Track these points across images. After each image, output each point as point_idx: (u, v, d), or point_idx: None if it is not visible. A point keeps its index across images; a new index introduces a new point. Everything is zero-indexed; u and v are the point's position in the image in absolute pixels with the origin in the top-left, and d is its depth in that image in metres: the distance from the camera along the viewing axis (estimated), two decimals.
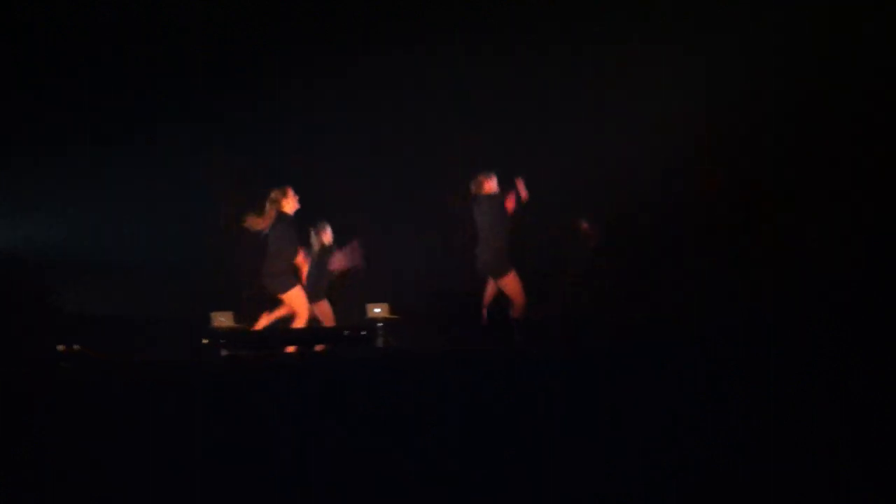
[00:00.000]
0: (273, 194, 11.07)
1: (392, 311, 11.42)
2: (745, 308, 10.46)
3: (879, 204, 11.31)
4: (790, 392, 7.20)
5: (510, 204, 11.18)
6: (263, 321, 11.26)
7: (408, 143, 13.36)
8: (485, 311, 11.29)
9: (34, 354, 10.37)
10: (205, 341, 10.49)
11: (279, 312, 11.21)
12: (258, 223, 10.97)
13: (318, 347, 10.65)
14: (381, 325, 11.19)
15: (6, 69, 13.02)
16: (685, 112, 12.27)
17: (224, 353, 10.24)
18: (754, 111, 12.14)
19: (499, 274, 11.09)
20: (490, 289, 11.29)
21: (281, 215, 11.05)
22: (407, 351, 10.50)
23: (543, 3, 13.21)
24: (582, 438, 7.06)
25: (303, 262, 11.90)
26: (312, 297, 11.45)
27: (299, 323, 11.04)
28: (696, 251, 11.82)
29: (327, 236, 11.87)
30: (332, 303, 12.09)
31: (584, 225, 12.21)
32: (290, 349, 10.74)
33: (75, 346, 10.68)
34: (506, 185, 11.41)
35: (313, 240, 11.97)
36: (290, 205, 11.08)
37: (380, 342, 10.93)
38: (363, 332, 10.33)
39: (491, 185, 11.26)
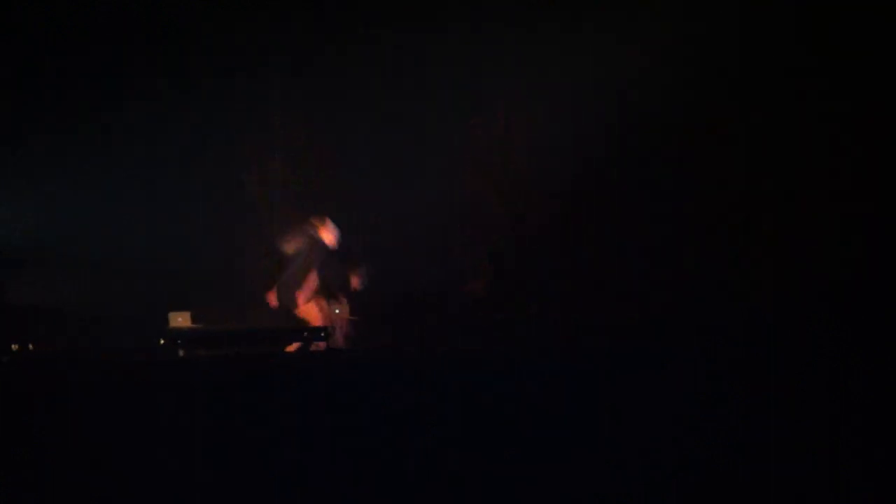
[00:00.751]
0: (313, 220, 11.19)
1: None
2: (745, 308, 10.46)
3: (879, 204, 11.30)
4: (790, 392, 7.20)
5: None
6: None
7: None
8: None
9: None
10: (162, 342, 10.48)
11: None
12: (290, 247, 11.09)
13: (277, 347, 10.62)
14: (331, 327, 11.28)
15: None
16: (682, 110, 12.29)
17: (181, 353, 10.24)
18: (752, 106, 12.13)
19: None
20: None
21: (316, 241, 11.16)
22: (406, 351, 10.49)
23: None
24: (582, 438, 7.05)
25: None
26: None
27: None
28: (696, 251, 11.81)
29: (329, 235, 11.76)
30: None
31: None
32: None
33: (30, 346, 10.70)
34: None
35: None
36: (328, 236, 11.24)
37: (339, 341, 11.03)
38: (322, 333, 10.42)
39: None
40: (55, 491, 6.67)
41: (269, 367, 8.09)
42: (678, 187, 12.35)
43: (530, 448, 6.99)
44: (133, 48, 13.21)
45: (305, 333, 10.57)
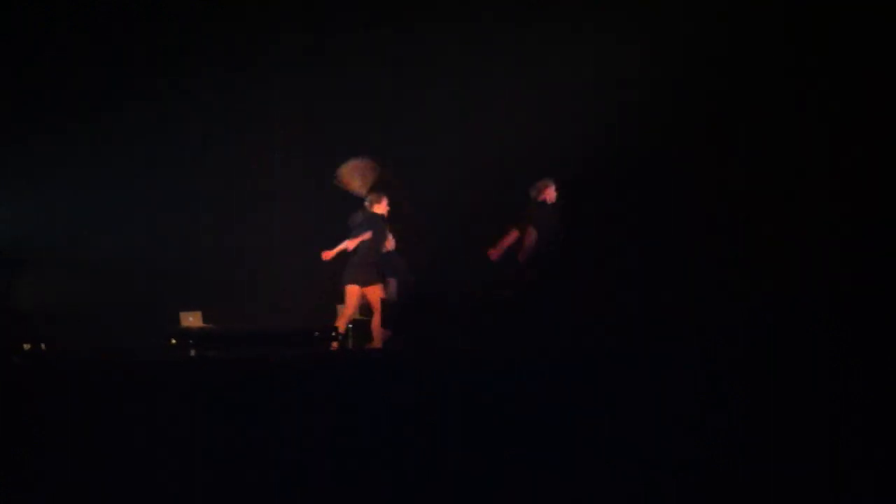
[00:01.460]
0: (370, 196, 11.51)
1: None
2: (744, 308, 10.46)
3: (880, 204, 11.31)
4: (790, 392, 7.20)
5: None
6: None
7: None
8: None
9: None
10: (173, 341, 10.48)
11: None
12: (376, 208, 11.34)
13: (288, 348, 10.61)
14: (351, 326, 11.28)
15: None
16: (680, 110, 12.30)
17: (192, 353, 10.24)
18: (752, 105, 12.14)
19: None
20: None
21: (372, 215, 11.41)
22: (405, 352, 10.49)
23: None
24: (582, 438, 7.06)
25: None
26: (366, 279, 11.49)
27: (342, 319, 11.23)
28: (696, 251, 11.81)
29: (382, 206, 11.74)
30: None
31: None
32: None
33: (42, 346, 10.69)
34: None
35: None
36: (382, 208, 11.53)
37: (349, 343, 11.01)
38: (333, 335, 10.43)
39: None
40: (60, 491, 6.67)
41: (272, 367, 8.09)
42: (677, 186, 12.34)
43: (530, 448, 6.99)
44: (133, 49, 13.17)
45: (317, 333, 10.57)
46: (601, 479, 6.75)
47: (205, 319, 11.45)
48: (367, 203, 11.53)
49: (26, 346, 10.64)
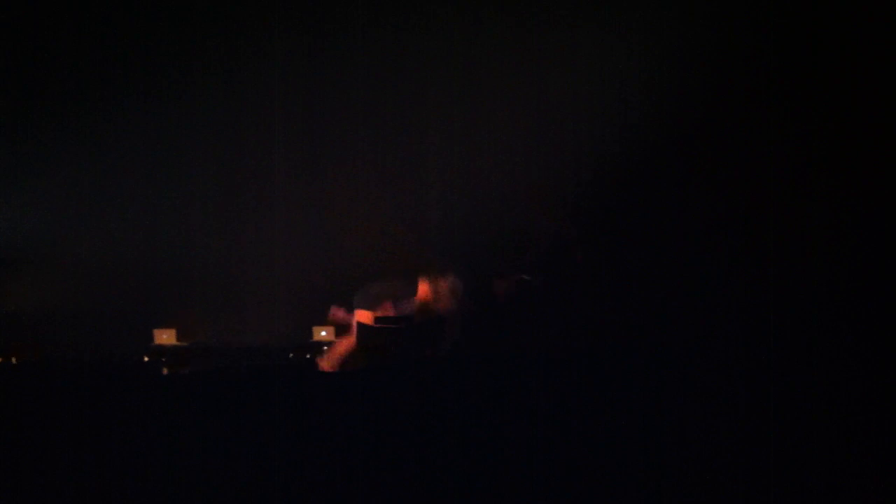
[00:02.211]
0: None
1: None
2: (745, 308, 10.41)
3: (880, 204, 11.25)
4: (790, 392, 7.18)
5: None
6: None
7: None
8: None
9: None
10: (146, 359, 10.34)
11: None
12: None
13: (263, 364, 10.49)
14: (325, 347, 11.09)
15: None
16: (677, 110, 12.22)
17: (165, 371, 10.09)
18: (752, 108, 12.06)
19: None
20: None
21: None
22: (405, 351, 10.44)
23: None
24: (582, 438, 7.04)
25: None
26: None
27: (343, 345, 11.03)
28: (696, 251, 11.74)
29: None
30: None
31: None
32: None
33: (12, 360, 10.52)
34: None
35: None
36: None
37: (322, 361, 10.88)
38: (308, 356, 10.36)
39: None
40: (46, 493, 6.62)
41: (244, 381, 7.98)
42: (679, 188, 12.26)
43: (530, 448, 6.97)
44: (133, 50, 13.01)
45: (291, 355, 10.49)
46: (601, 478, 6.73)
47: (180, 337, 11.14)
48: None
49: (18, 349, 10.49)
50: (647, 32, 12.53)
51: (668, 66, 12.31)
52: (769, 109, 12.12)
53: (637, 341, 9.10)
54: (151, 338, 10.92)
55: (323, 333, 11.26)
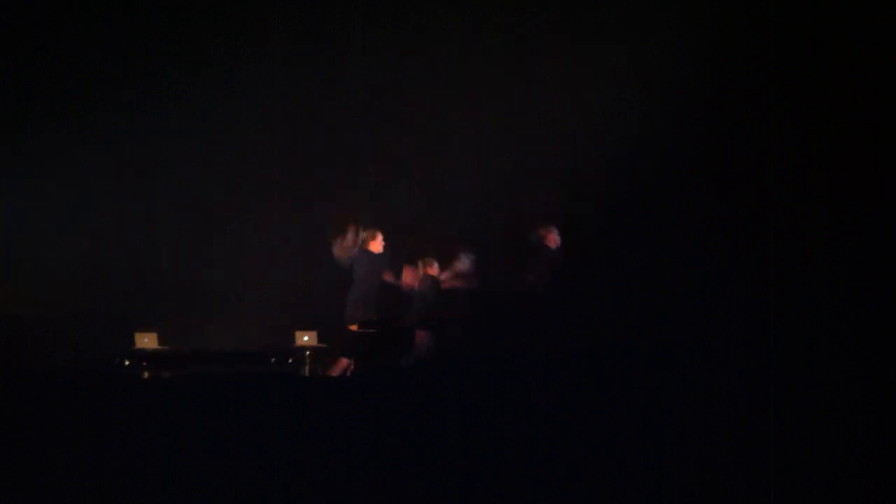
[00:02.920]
0: (364, 234, 11.13)
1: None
2: (744, 308, 10.46)
3: (880, 204, 11.32)
4: (790, 392, 7.20)
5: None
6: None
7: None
8: None
9: None
10: (126, 363, 10.30)
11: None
12: (341, 251, 11.02)
13: (244, 369, 10.44)
14: (308, 352, 11.06)
15: None
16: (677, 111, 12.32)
17: (146, 374, 10.06)
18: (752, 106, 12.15)
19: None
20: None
21: (366, 252, 11.11)
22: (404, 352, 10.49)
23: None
24: (582, 438, 7.06)
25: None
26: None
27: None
28: (696, 251, 11.82)
29: (378, 244, 11.27)
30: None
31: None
32: None
33: None
34: None
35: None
36: (377, 246, 11.19)
37: (306, 370, 10.84)
38: (290, 360, 10.32)
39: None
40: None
41: (226, 386, 7.96)
42: (678, 187, 12.35)
43: (530, 448, 6.99)
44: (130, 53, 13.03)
45: (273, 360, 10.46)
46: (601, 478, 6.75)
47: (161, 340, 11.09)
48: (362, 242, 11.22)
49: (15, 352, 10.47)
50: (647, 32, 12.61)
51: (668, 66, 12.40)
52: (769, 110, 12.19)
53: (637, 341, 9.14)
54: (133, 341, 10.81)
55: (306, 338, 11.19)
